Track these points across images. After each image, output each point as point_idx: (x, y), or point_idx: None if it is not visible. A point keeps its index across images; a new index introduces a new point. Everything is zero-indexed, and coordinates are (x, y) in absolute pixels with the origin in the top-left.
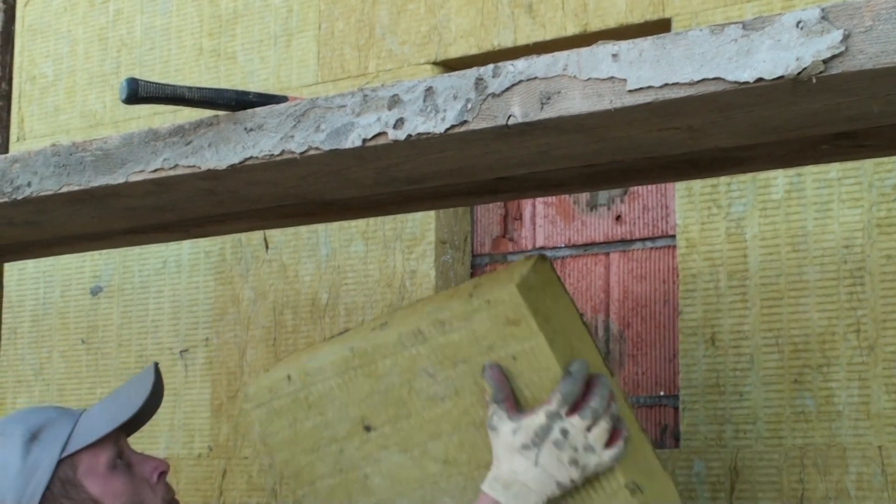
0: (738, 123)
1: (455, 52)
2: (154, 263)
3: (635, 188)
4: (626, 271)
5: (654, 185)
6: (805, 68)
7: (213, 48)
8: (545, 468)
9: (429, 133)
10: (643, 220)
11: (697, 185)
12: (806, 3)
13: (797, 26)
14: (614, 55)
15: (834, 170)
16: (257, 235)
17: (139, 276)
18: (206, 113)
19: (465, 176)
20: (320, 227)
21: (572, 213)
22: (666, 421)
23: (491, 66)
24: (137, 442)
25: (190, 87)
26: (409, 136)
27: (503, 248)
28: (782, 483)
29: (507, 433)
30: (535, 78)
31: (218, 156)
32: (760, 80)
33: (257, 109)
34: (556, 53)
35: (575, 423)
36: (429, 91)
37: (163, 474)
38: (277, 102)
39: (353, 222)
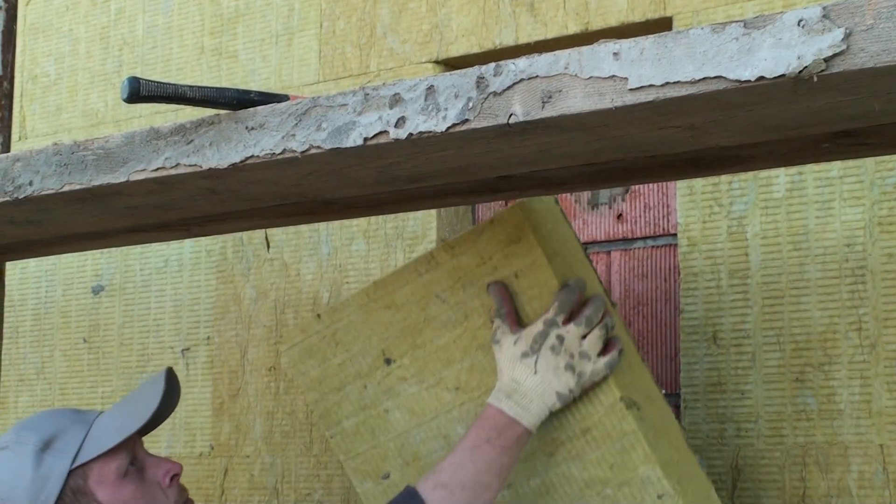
0: (739, 122)
1: (456, 50)
2: (155, 262)
3: (637, 187)
4: (628, 270)
5: (655, 184)
6: (806, 67)
7: (215, 47)
8: (544, 376)
9: (430, 132)
10: (644, 219)
11: (699, 183)
12: (807, 1)
13: (798, 25)
14: (615, 54)
15: (835, 168)
16: (259, 234)
17: (140, 274)
18: (208, 112)
19: (466, 175)
20: (321, 225)
21: (574, 212)
22: None
23: (492, 64)
24: None
25: (191, 86)
26: (411, 134)
27: None
28: (784, 481)
29: (509, 345)
30: (537, 77)
31: (219, 155)
32: (762, 78)
33: (258, 108)
34: (557, 52)
35: (570, 329)
36: (430, 90)
37: (175, 477)
38: (279, 101)
39: (355, 221)
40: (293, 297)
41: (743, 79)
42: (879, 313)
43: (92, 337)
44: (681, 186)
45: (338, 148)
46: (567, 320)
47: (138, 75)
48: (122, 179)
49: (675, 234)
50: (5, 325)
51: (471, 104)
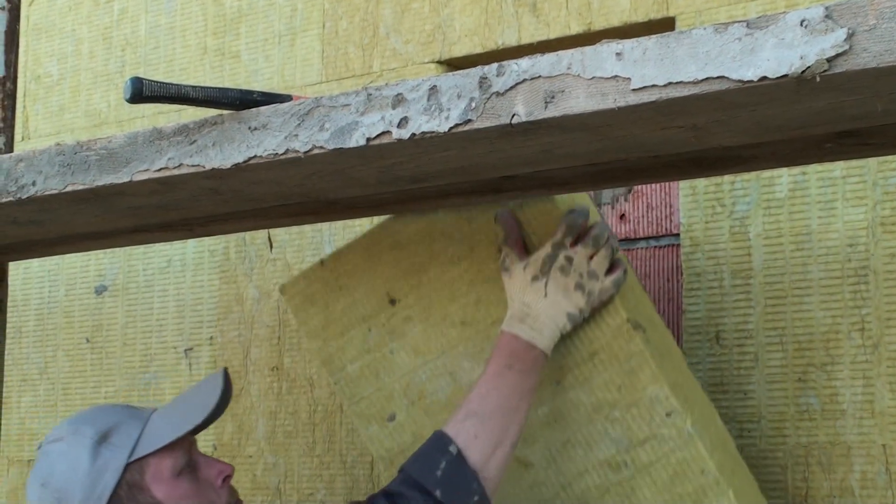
0: (742, 122)
1: (459, 50)
2: (158, 262)
3: (639, 187)
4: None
5: (658, 184)
6: (809, 67)
7: (218, 47)
8: (554, 298)
9: (433, 132)
10: (647, 219)
11: (701, 183)
12: (810, 1)
13: (801, 25)
14: (618, 54)
15: (838, 168)
16: (261, 234)
17: (144, 274)
18: (211, 112)
19: (468, 175)
20: (324, 226)
21: None
22: None
23: (495, 64)
24: None
25: (194, 87)
26: (413, 134)
27: None
28: (787, 481)
29: (519, 271)
30: (539, 77)
31: (222, 155)
32: (764, 78)
33: (261, 108)
34: (559, 52)
35: (578, 250)
36: (433, 90)
37: (227, 478)
38: (281, 101)
39: (357, 221)
40: None
41: (746, 79)
42: (882, 313)
43: (95, 337)
44: (683, 186)
45: (341, 148)
46: (574, 242)
47: (141, 75)
48: (125, 180)
49: (677, 235)
50: (8, 325)
51: (473, 104)
